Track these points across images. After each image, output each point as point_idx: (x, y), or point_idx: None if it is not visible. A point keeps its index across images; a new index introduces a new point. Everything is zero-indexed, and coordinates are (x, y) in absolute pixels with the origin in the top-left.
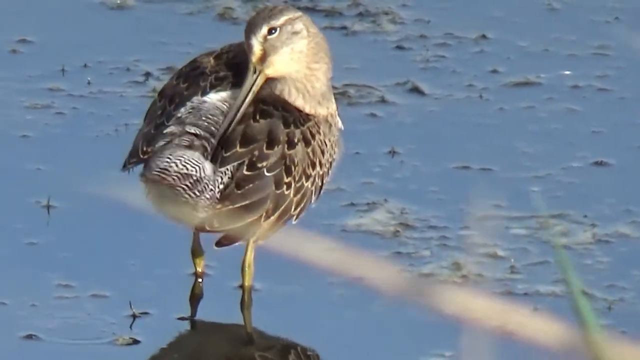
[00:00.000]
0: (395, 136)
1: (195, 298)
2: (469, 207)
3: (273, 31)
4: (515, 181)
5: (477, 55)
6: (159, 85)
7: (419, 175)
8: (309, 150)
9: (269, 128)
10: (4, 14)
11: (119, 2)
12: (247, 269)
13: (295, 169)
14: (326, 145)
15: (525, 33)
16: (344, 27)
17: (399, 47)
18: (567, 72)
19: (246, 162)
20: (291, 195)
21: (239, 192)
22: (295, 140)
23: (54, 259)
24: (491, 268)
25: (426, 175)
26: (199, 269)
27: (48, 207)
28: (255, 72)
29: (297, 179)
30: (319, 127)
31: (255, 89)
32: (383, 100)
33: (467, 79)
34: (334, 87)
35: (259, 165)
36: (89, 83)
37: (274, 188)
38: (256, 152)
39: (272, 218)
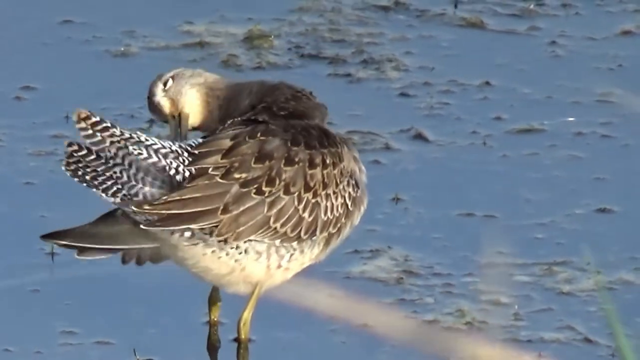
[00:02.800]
0: (399, 183)
1: (212, 348)
2: (473, 255)
3: (167, 82)
4: (519, 228)
5: (481, 102)
6: (163, 132)
7: (423, 222)
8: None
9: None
10: (8, 61)
11: (122, 49)
12: (242, 325)
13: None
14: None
15: (529, 80)
16: (348, 75)
17: (403, 94)
18: (571, 119)
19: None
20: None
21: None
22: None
23: (58, 306)
24: (495, 315)
25: (430, 222)
26: (214, 318)
27: (52, 254)
28: (174, 118)
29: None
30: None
31: (184, 123)
32: (387, 147)
33: (471, 126)
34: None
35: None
36: None
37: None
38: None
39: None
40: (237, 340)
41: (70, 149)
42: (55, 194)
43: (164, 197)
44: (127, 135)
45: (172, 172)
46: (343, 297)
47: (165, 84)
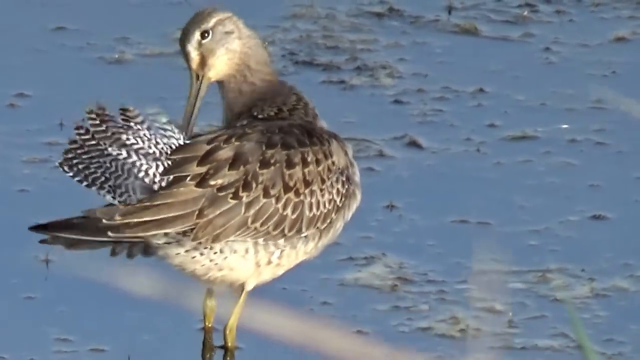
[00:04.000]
0: (393, 190)
1: (206, 354)
2: (467, 262)
3: (206, 35)
4: (513, 235)
5: (475, 109)
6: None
7: (417, 229)
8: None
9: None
10: (2, 68)
11: (116, 56)
12: (228, 332)
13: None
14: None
15: (523, 87)
16: (342, 82)
17: (397, 101)
18: (565, 126)
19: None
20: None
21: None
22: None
23: (52, 313)
24: (489, 322)
25: (424, 229)
26: (209, 324)
27: (47, 261)
28: (198, 78)
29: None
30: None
31: (201, 94)
32: (381, 154)
33: (465, 133)
34: None
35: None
36: None
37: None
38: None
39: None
40: (223, 347)
41: (77, 131)
42: (49, 201)
43: (136, 205)
44: (128, 125)
45: (142, 174)
46: (306, 322)
47: (203, 36)
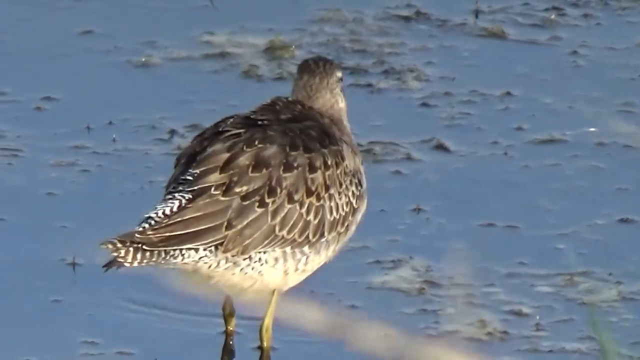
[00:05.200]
0: (420, 193)
1: (226, 357)
2: (494, 265)
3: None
4: (540, 239)
5: (502, 112)
6: (184, 143)
7: (445, 233)
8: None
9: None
10: (29, 72)
11: (143, 60)
12: (264, 332)
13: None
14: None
15: (550, 90)
16: (370, 85)
17: (424, 105)
18: (592, 129)
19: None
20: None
21: None
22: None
23: (79, 316)
24: (516, 325)
25: (451, 232)
26: (230, 328)
27: (73, 264)
28: None
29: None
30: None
31: None
32: (408, 158)
33: (492, 136)
34: (359, 145)
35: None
36: (114, 140)
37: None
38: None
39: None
40: (260, 347)
41: None
42: (76, 204)
43: (165, 220)
44: None
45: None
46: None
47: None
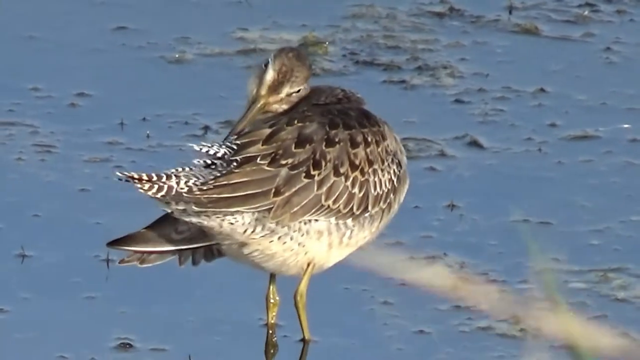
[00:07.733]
0: (454, 190)
1: (270, 351)
2: (528, 261)
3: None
4: (574, 235)
5: (536, 108)
6: (218, 139)
7: (478, 229)
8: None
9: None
10: (63, 68)
11: (177, 56)
12: (299, 298)
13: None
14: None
15: (584, 86)
16: (403, 81)
17: (458, 101)
18: (626, 126)
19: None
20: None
21: None
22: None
23: (113, 312)
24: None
25: (485, 228)
26: (272, 320)
27: (107, 261)
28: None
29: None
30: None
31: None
32: (442, 154)
33: (526, 133)
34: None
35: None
36: (147, 136)
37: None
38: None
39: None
40: (302, 340)
41: None
42: (110, 200)
43: (212, 182)
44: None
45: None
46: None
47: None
